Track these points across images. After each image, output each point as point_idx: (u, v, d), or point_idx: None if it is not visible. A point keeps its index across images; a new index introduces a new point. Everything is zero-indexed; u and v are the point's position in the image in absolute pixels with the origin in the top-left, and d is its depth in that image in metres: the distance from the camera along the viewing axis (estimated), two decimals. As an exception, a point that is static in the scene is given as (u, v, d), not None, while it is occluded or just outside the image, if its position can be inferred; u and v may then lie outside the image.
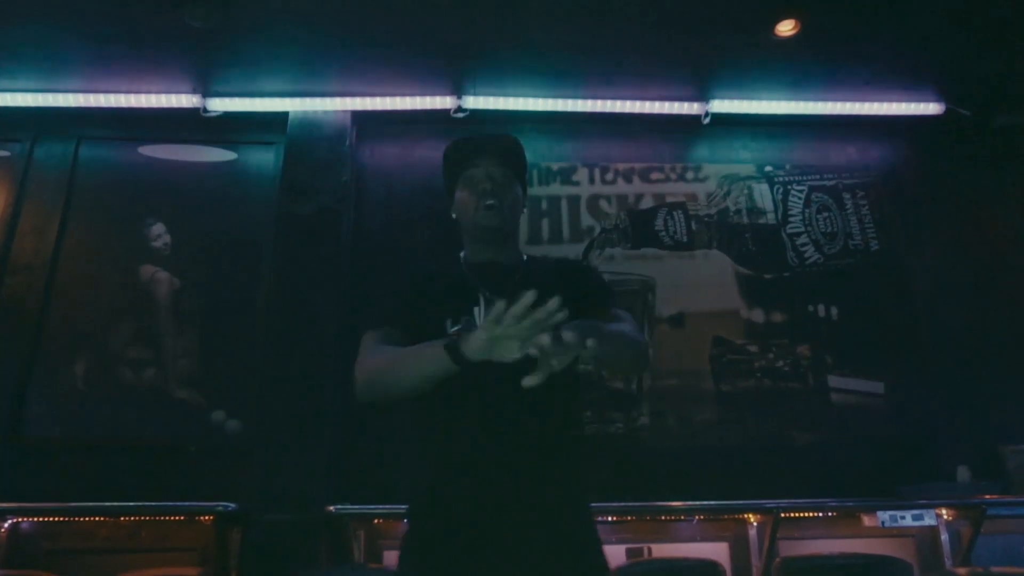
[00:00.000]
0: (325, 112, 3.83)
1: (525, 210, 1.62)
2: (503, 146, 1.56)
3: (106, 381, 3.42)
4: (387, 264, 3.70)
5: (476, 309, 1.39)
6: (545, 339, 1.05)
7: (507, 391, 1.32)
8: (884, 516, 2.98)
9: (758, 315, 3.77)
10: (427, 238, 3.76)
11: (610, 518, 3.03)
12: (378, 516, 3.04)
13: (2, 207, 3.67)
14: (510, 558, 1.23)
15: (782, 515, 2.99)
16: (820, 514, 3.15)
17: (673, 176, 4.07)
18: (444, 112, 3.85)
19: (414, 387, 1.29)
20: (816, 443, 3.52)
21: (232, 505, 2.83)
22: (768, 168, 4.12)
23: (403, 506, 2.95)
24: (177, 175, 3.87)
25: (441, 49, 3.56)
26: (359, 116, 3.89)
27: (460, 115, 3.84)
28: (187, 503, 2.89)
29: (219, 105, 3.77)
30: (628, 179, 4.05)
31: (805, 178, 4.11)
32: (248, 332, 3.52)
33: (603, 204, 3.97)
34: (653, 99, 3.91)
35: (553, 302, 1.03)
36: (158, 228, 3.73)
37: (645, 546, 3.20)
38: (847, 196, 4.08)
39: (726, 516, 3.20)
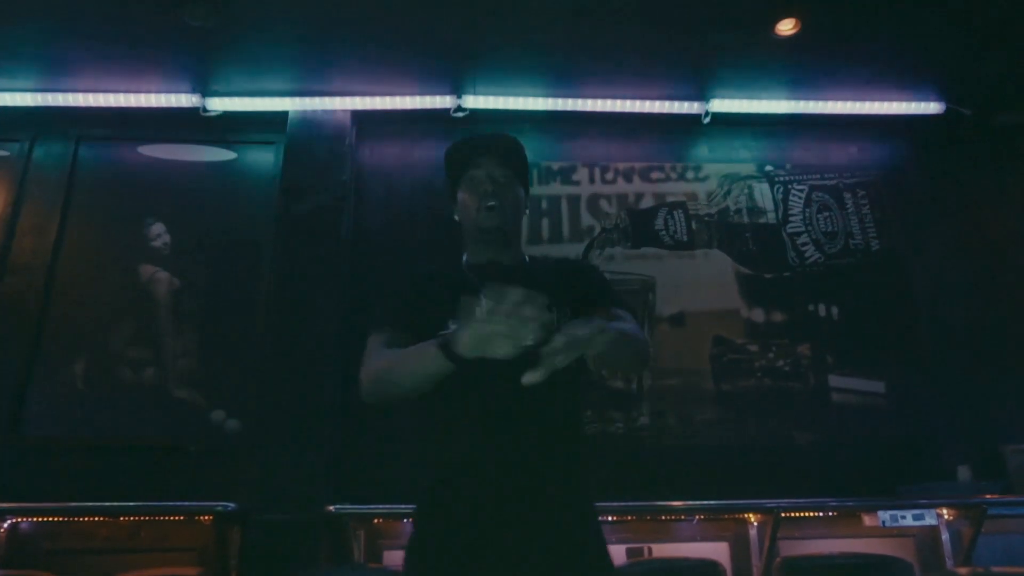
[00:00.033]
0: (325, 111, 3.83)
1: (527, 211, 1.62)
2: (504, 147, 1.55)
3: (106, 381, 3.42)
4: (387, 263, 3.69)
5: (478, 310, 1.38)
6: (560, 339, 1.06)
7: (509, 390, 1.32)
8: (885, 516, 2.98)
9: (758, 315, 3.77)
10: (427, 237, 3.76)
11: (610, 518, 3.02)
12: (378, 516, 3.04)
13: (1, 207, 3.67)
14: (515, 558, 1.23)
15: (782, 515, 2.99)
16: (821, 514, 3.15)
17: (673, 176, 4.07)
18: (444, 111, 3.85)
19: (414, 387, 1.29)
20: (817, 443, 3.52)
21: (232, 505, 2.84)
22: (768, 167, 4.11)
23: (403, 506, 3.00)
24: (177, 175, 3.87)
25: (441, 48, 3.56)
26: (359, 115, 3.89)
27: (460, 114, 3.84)
28: (187, 503, 2.89)
29: (219, 105, 3.77)
30: (628, 178, 4.04)
31: (805, 177, 4.10)
32: (248, 332, 3.51)
33: (603, 204, 3.97)
34: (653, 98, 3.91)
35: (541, 299, 1.04)
36: (158, 228, 3.73)
37: (645, 546, 3.19)
38: (848, 195, 4.07)
39: (726, 516, 3.20)
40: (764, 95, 3.91)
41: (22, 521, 3.03)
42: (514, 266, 1.50)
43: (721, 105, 3.92)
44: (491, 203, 1.46)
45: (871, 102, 3.96)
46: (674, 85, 3.87)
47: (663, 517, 3.18)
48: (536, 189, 3.92)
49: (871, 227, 4.00)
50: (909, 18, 3.38)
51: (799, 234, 3.96)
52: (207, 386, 3.45)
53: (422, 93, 3.81)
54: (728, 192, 4.03)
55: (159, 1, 3.13)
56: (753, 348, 3.69)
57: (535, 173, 3.94)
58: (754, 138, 4.16)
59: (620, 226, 3.92)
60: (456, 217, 1.56)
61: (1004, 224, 4.06)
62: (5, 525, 2.98)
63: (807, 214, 4.01)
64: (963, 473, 3.28)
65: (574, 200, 3.97)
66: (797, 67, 3.74)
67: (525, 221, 1.63)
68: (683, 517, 3.19)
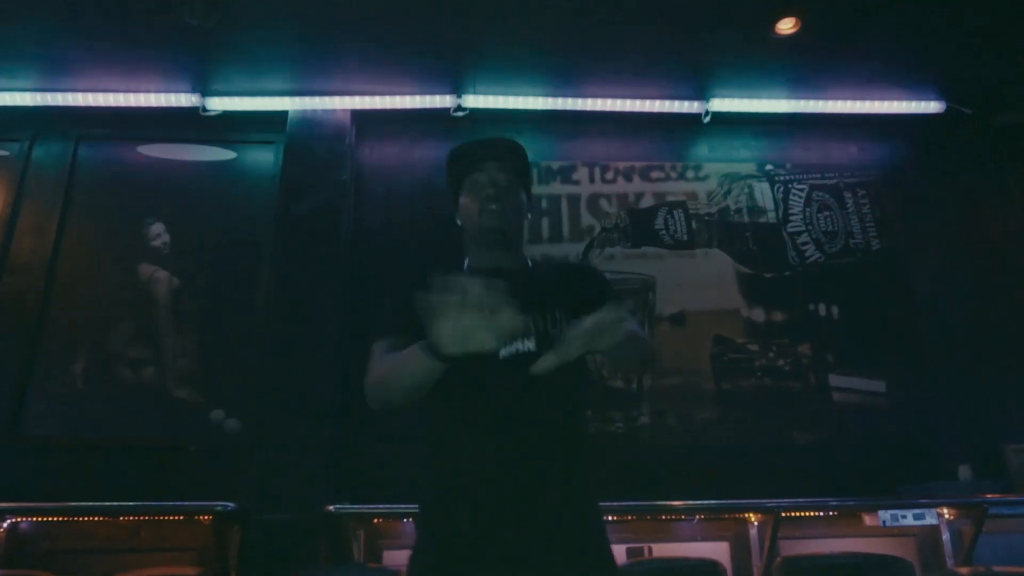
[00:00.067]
0: (325, 111, 3.83)
1: (529, 216, 1.61)
2: (506, 151, 1.55)
3: (105, 380, 3.42)
4: (387, 263, 3.69)
5: (440, 307, 1.37)
6: (585, 323, 1.06)
7: (511, 391, 1.33)
8: (885, 515, 2.98)
9: (759, 314, 3.76)
10: (427, 237, 3.76)
11: (611, 517, 3.02)
12: (378, 516, 3.04)
13: (1, 206, 3.67)
14: (519, 559, 1.23)
15: (783, 514, 2.99)
16: (821, 513, 3.14)
17: (673, 175, 4.07)
18: (444, 111, 3.84)
19: (410, 390, 1.28)
20: (817, 442, 3.51)
21: (231, 505, 2.83)
22: (769, 167, 4.11)
23: (403, 506, 2.99)
24: (176, 174, 3.87)
25: (441, 48, 3.56)
26: (359, 115, 3.89)
27: (460, 114, 3.84)
28: (186, 503, 2.89)
29: (218, 104, 3.76)
30: (628, 178, 4.04)
31: (806, 177, 4.10)
32: (247, 332, 3.51)
33: (603, 203, 3.97)
34: (653, 98, 3.91)
35: (498, 283, 1.03)
36: (157, 227, 3.73)
37: (646, 545, 3.19)
38: (848, 195, 4.07)
39: (727, 515, 3.19)
40: (764, 94, 3.91)
41: (22, 521, 3.03)
42: (517, 271, 1.48)
43: (721, 104, 3.91)
44: (492, 207, 1.45)
45: (871, 101, 3.95)
46: (674, 84, 3.86)
47: (663, 517, 3.18)
48: (536, 189, 3.92)
49: (871, 226, 4.00)
50: (909, 17, 3.38)
51: (799, 233, 3.95)
52: (207, 386, 3.44)
53: (422, 92, 3.80)
54: (728, 191, 4.03)
55: (159, 1, 3.12)
56: (753, 347, 3.69)
57: (535, 173, 3.94)
58: (754, 137, 4.15)
59: (620, 225, 3.91)
60: (458, 222, 1.55)
61: (1005, 223, 4.05)
62: (5, 525, 2.98)
63: (807, 213, 4.00)
64: (964, 472, 3.28)
65: (574, 199, 3.97)
66: (797, 66, 3.74)
67: (527, 225, 1.62)
68: (683, 517, 3.19)
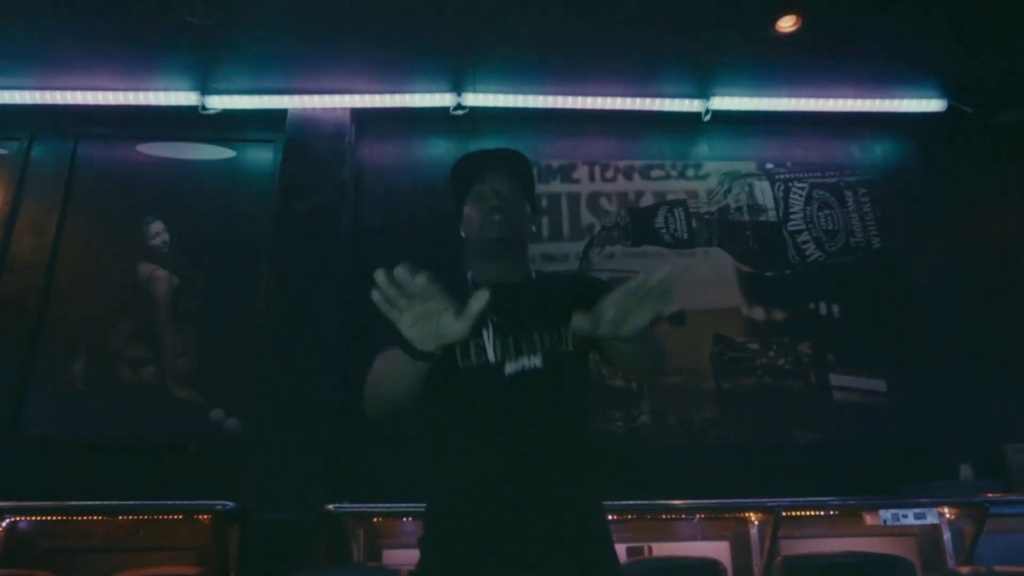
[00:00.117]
0: (324, 109, 3.82)
1: (534, 229, 1.60)
2: (511, 162, 1.54)
3: (105, 380, 3.41)
4: (387, 262, 3.65)
5: (485, 332, 1.36)
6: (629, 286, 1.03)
7: (516, 391, 1.32)
8: (886, 515, 2.97)
9: (759, 313, 3.76)
10: (427, 236, 3.75)
11: (611, 517, 3.01)
12: (377, 515, 3.04)
13: (0, 205, 3.66)
14: (524, 560, 1.22)
15: (783, 514, 2.98)
16: (822, 513, 3.14)
17: (674, 173, 4.06)
18: (443, 110, 3.84)
19: (401, 392, 1.27)
20: (817, 441, 3.51)
21: (231, 504, 2.83)
22: (769, 165, 4.10)
23: (402, 505, 2.99)
24: (176, 173, 3.86)
25: (440, 46, 3.55)
26: (358, 113, 3.88)
27: (459, 112, 3.83)
28: (186, 502, 2.88)
29: (218, 103, 3.76)
30: (628, 176, 4.03)
31: (806, 175, 4.09)
32: (247, 331, 3.51)
33: (603, 202, 3.96)
34: (653, 96, 3.90)
35: (419, 274, 1.00)
36: (157, 226, 3.72)
37: (646, 545, 3.18)
38: (848, 193, 4.06)
39: (727, 515, 3.19)
40: (765, 92, 3.90)
41: (21, 520, 3.03)
42: (521, 284, 1.46)
43: (721, 103, 3.91)
44: (496, 218, 1.44)
45: (872, 100, 3.95)
46: (674, 83, 3.86)
47: (664, 516, 3.17)
48: (536, 188, 3.90)
49: (872, 225, 3.99)
50: (911, 15, 3.37)
51: (800, 232, 3.95)
52: (206, 385, 3.44)
53: (421, 91, 3.80)
54: (728, 190, 4.02)
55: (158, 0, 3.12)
56: (754, 346, 3.68)
57: (535, 172, 3.92)
58: (755, 136, 4.15)
59: (620, 224, 3.91)
60: (462, 233, 1.53)
61: (1005, 223, 4.04)
62: (4, 524, 2.97)
63: (808, 212, 4.00)
64: (964, 472, 3.27)
65: (574, 198, 3.96)
66: (798, 64, 3.73)
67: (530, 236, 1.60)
68: (684, 516, 3.18)
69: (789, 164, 4.12)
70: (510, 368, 1.33)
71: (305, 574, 2.75)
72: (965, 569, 2.80)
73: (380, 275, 1.00)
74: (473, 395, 1.34)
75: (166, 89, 3.71)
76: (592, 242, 3.86)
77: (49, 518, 3.01)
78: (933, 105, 3.97)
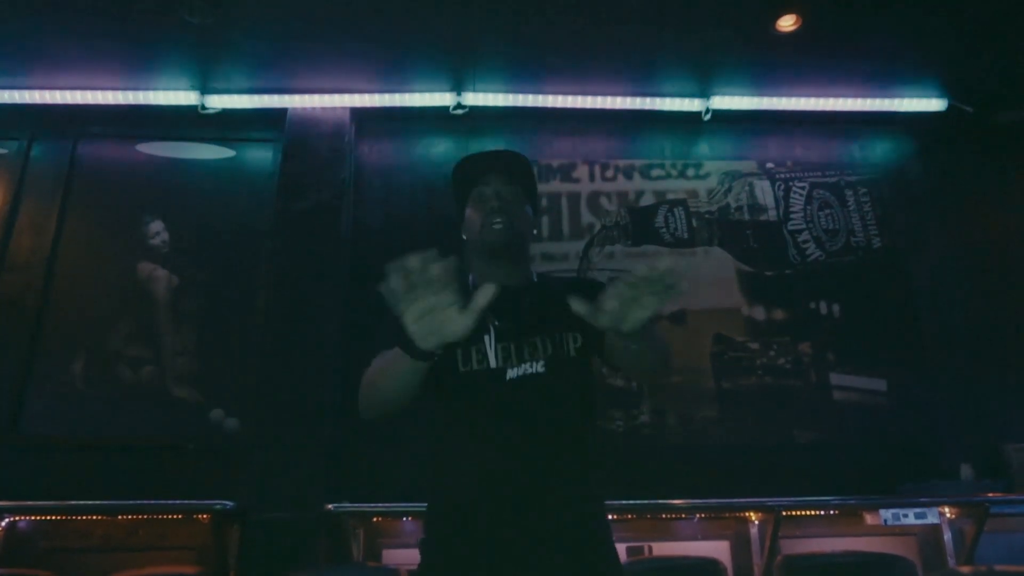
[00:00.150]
0: (324, 109, 3.82)
1: (536, 231, 1.58)
2: (511, 163, 1.53)
3: (104, 379, 3.41)
4: (387, 261, 3.65)
5: (486, 337, 1.35)
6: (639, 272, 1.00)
7: (520, 392, 1.31)
8: (886, 514, 2.97)
9: (759, 312, 3.75)
10: (427, 235, 3.75)
11: (611, 516, 3.00)
12: (377, 514, 3.04)
13: (0, 205, 3.66)
14: (525, 558, 1.22)
15: (784, 513, 2.98)
16: (822, 512, 3.13)
17: (674, 173, 4.05)
18: (443, 109, 3.83)
19: (398, 393, 1.24)
20: (818, 441, 3.50)
21: (230, 503, 2.83)
22: (769, 165, 4.10)
23: (402, 504, 2.98)
24: (175, 173, 3.86)
25: (440, 45, 3.55)
26: (358, 113, 3.88)
27: (459, 112, 3.83)
28: (185, 501, 2.88)
29: (217, 102, 3.76)
30: (628, 176, 4.03)
31: (807, 175, 4.09)
32: (247, 330, 3.50)
33: (603, 201, 3.95)
34: (653, 95, 3.90)
35: (432, 254, 0.97)
36: (156, 226, 3.72)
37: (646, 544, 3.18)
38: (849, 193, 4.06)
39: (727, 514, 3.18)
40: (765, 92, 3.89)
41: (20, 520, 3.03)
42: (522, 288, 1.45)
43: (722, 102, 3.90)
44: (497, 219, 1.42)
45: (872, 99, 3.94)
46: (674, 82, 3.85)
47: (664, 516, 3.17)
48: (537, 188, 3.90)
49: (872, 225, 3.98)
50: (911, 14, 3.36)
51: (800, 231, 3.94)
52: (206, 384, 3.44)
53: (421, 90, 3.79)
54: (729, 189, 4.02)
55: (157, -2, 3.12)
56: (754, 346, 3.68)
57: (535, 171, 3.92)
58: (755, 135, 4.14)
59: (620, 223, 3.90)
60: (464, 236, 1.52)
61: (1006, 222, 4.04)
62: (3, 524, 2.97)
63: (808, 211, 3.99)
64: (965, 471, 3.27)
65: (574, 198, 3.96)
66: (798, 63, 3.72)
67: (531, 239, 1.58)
68: (684, 516, 3.18)
69: (789, 163, 4.11)
70: (512, 373, 1.33)
71: (305, 574, 2.75)
72: (966, 569, 2.79)
73: (397, 263, 0.97)
74: (474, 398, 1.33)
75: (166, 88, 3.71)
76: (592, 241, 3.86)
77: (49, 518, 3.02)
78: (934, 104, 3.96)
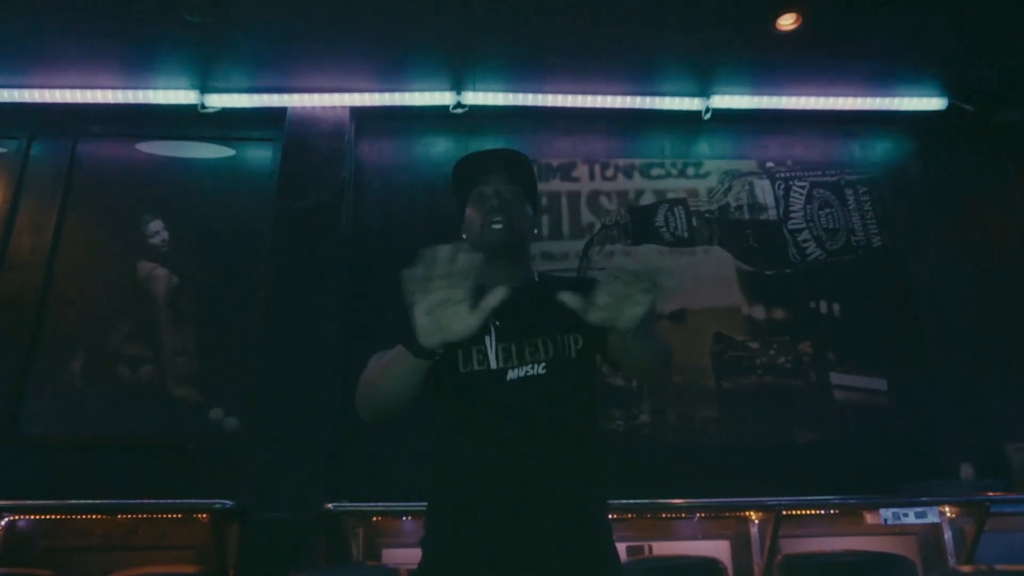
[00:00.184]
0: (323, 108, 3.81)
1: (536, 230, 1.58)
2: (511, 162, 1.52)
3: (104, 378, 3.41)
4: (387, 261, 3.68)
5: (487, 337, 1.34)
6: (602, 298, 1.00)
7: (522, 392, 1.31)
8: (887, 513, 2.97)
9: (759, 311, 3.75)
10: (427, 234, 3.74)
11: (611, 516, 3.00)
12: (376, 514, 3.03)
13: (0, 204, 3.66)
14: (525, 558, 1.22)
15: (784, 513, 2.98)
16: (822, 512, 3.13)
17: (674, 172, 4.05)
18: (443, 108, 3.83)
19: (396, 393, 1.23)
20: (818, 440, 3.50)
21: (230, 503, 2.82)
22: (769, 164, 4.09)
23: (402, 504, 2.98)
24: (175, 172, 3.86)
25: (440, 44, 3.54)
26: (358, 112, 3.88)
27: (459, 111, 3.82)
28: (184, 501, 2.88)
29: (217, 101, 3.75)
30: (628, 175, 4.02)
31: (807, 174, 4.08)
32: (246, 329, 3.50)
33: (603, 200, 3.95)
34: (653, 95, 3.89)
35: (463, 246, 0.97)
36: (156, 225, 3.72)
37: (646, 544, 3.18)
38: (849, 192, 4.05)
39: (727, 514, 3.18)
40: (765, 91, 3.89)
41: (20, 519, 3.03)
42: (523, 288, 1.43)
43: (722, 101, 3.90)
44: (497, 218, 1.42)
45: (873, 98, 3.94)
46: (674, 81, 3.85)
47: (664, 515, 3.17)
48: (537, 187, 3.90)
49: (872, 224, 3.98)
50: (911, 13, 3.36)
51: (800, 230, 3.94)
52: (205, 384, 3.43)
53: (421, 89, 3.79)
54: (729, 188, 4.01)
55: (157, -3, 3.12)
56: (754, 345, 3.67)
57: (535, 170, 3.92)
58: (755, 134, 4.14)
59: (620, 223, 3.90)
60: (464, 236, 1.51)
61: (1006, 221, 4.04)
62: (3, 523, 2.97)
63: (808, 210, 3.99)
64: (965, 470, 3.26)
65: (574, 197, 3.95)
66: (798, 62, 3.71)
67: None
68: (684, 515, 3.17)
69: (789, 162, 4.11)
70: (512, 374, 1.32)
71: (304, 573, 2.75)
72: (966, 568, 2.79)
73: (427, 251, 0.96)
74: (474, 399, 1.33)
75: (165, 88, 3.71)
76: (592, 241, 3.86)
77: (48, 517, 3.01)
78: (934, 103, 3.96)
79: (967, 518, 3.09)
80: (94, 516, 3.01)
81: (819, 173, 4.09)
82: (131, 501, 2.90)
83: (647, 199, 3.97)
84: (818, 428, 3.53)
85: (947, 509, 3.03)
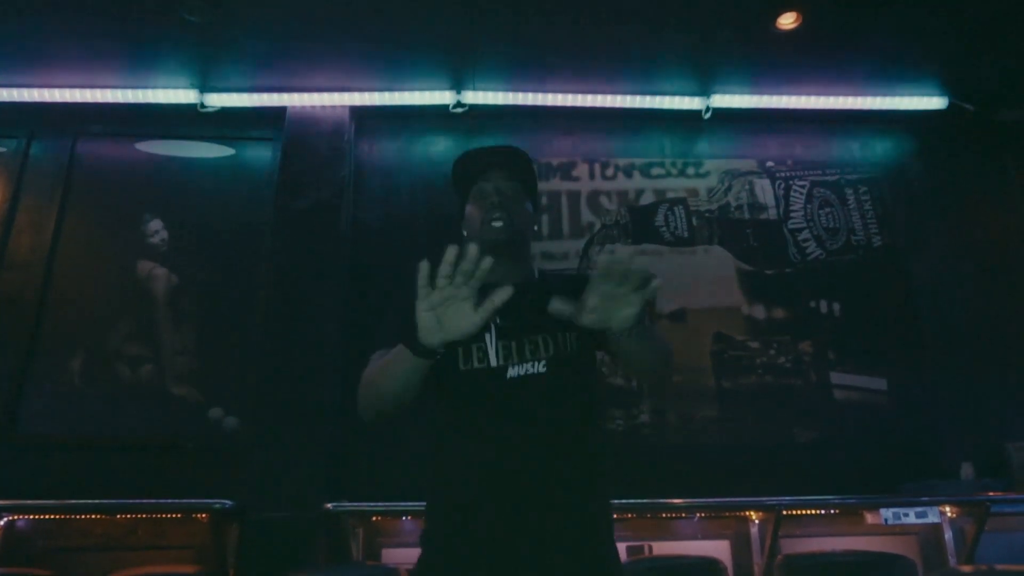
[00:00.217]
0: (323, 107, 3.81)
1: (536, 227, 1.58)
2: (511, 159, 1.52)
3: (103, 378, 3.40)
4: (386, 260, 3.67)
5: (487, 335, 1.34)
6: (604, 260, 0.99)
7: (519, 392, 1.31)
8: (887, 513, 2.96)
9: (759, 311, 3.74)
10: (426, 233, 3.74)
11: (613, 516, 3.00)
12: (376, 513, 3.03)
13: (-1, 203, 3.66)
14: (524, 557, 1.21)
15: (784, 512, 2.98)
16: (822, 511, 3.13)
17: (674, 171, 4.05)
18: (443, 107, 3.83)
19: (397, 391, 1.23)
20: (818, 440, 3.50)
21: (229, 503, 2.82)
22: (770, 163, 4.09)
23: (402, 503, 2.97)
24: (174, 171, 3.85)
25: (440, 44, 3.54)
26: (357, 111, 3.88)
27: (459, 110, 3.82)
28: (184, 501, 2.88)
29: (217, 101, 3.75)
30: (628, 175, 4.02)
31: (807, 173, 4.08)
32: (246, 329, 3.50)
33: (603, 200, 3.95)
34: (653, 94, 3.89)
35: (473, 248, 0.97)
36: (156, 224, 3.71)
37: (646, 544, 3.18)
38: (849, 191, 4.05)
39: (727, 514, 3.18)
40: (765, 90, 3.88)
41: (18, 519, 3.02)
42: (523, 285, 1.42)
43: (722, 100, 3.90)
44: (497, 214, 1.41)
45: (873, 97, 3.93)
46: (674, 80, 3.84)
47: (664, 515, 3.17)
48: (537, 185, 3.90)
49: (873, 223, 3.98)
50: (912, 12, 3.35)
51: (800, 230, 3.93)
52: (205, 383, 3.43)
53: (421, 89, 3.78)
54: (729, 188, 4.01)
55: (157, -3, 3.11)
56: (754, 345, 3.67)
57: (535, 166, 3.91)
58: (755, 133, 4.13)
59: (620, 222, 3.90)
60: (464, 232, 1.51)
61: (1006, 221, 4.03)
62: (2, 523, 2.96)
63: (808, 210, 3.98)
64: (966, 470, 3.26)
65: (574, 196, 3.95)
66: (798, 62, 3.71)
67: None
68: (684, 515, 3.17)
69: (790, 162, 4.11)
70: (512, 372, 1.32)
71: (304, 573, 2.74)
72: (966, 568, 2.79)
73: (453, 250, 0.98)
74: (474, 397, 1.32)
75: (165, 87, 3.70)
76: (592, 240, 3.85)
77: (47, 517, 3.01)
78: (934, 103, 3.96)
79: (967, 518, 3.08)
80: (93, 516, 3.01)
81: (819, 172, 4.09)
82: (130, 501, 2.90)
83: (647, 199, 3.97)
84: (818, 428, 3.53)
85: (947, 509, 3.03)
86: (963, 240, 3.95)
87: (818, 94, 3.90)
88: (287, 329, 3.36)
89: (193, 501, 2.87)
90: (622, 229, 3.88)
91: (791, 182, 4.05)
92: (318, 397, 3.24)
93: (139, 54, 3.52)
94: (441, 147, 3.99)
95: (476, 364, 1.33)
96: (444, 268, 0.97)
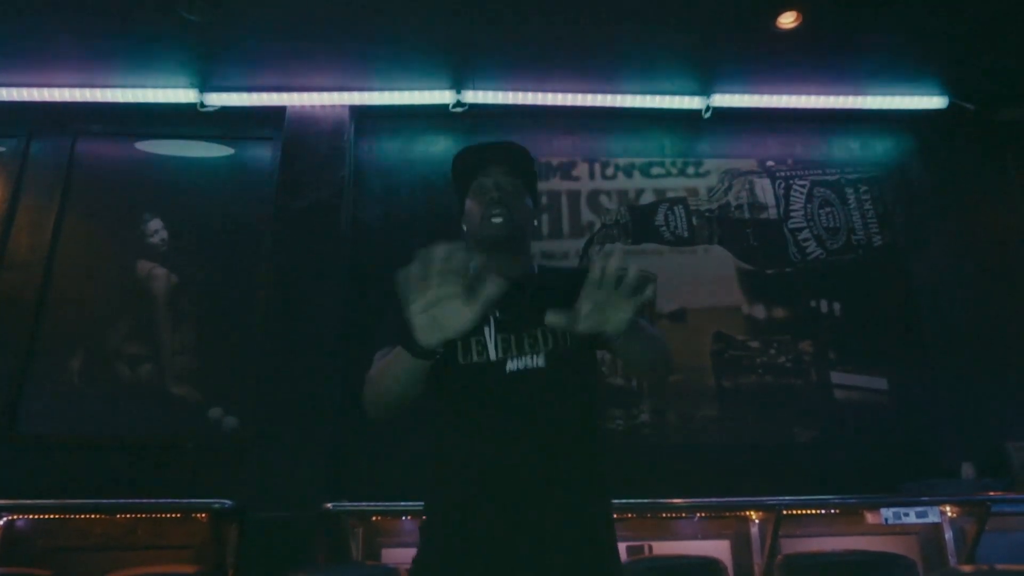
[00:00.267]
0: (323, 107, 3.81)
1: (536, 223, 1.58)
2: (511, 154, 1.52)
3: (102, 377, 3.40)
4: (386, 259, 3.66)
5: (486, 328, 1.34)
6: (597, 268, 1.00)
7: (517, 387, 1.30)
8: (887, 513, 2.96)
9: (760, 311, 3.74)
10: (426, 233, 3.74)
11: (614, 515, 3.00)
12: (376, 513, 3.03)
13: (-2, 203, 3.66)
14: (523, 555, 1.21)
15: (784, 512, 2.97)
16: (823, 511, 3.13)
17: (674, 171, 4.04)
18: (443, 107, 3.82)
19: (401, 391, 1.24)
20: (818, 440, 3.49)
21: (229, 502, 2.82)
22: (770, 163, 4.09)
23: (402, 503, 2.97)
24: (174, 171, 3.85)
25: (440, 43, 3.54)
26: (357, 111, 3.87)
27: (459, 110, 3.82)
28: (183, 500, 2.88)
29: (216, 100, 3.75)
30: (628, 174, 4.02)
31: (807, 173, 4.07)
32: (246, 328, 3.49)
33: (603, 199, 3.95)
34: (653, 93, 3.88)
35: (459, 246, 0.98)
36: (155, 224, 3.71)
37: (646, 544, 3.17)
38: (850, 191, 4.05)
39: (728, 513, 3.18)
40: (765, 89, 3.88)
41: (18, 519, 3.02)
42: (523, 279, 1.43)
43: (722, 100, 3.89)
44: (496, 210, 1.41)
45: (873, 96, 3.93)
46: (675, 80, 3.84)
47: (664, 515, 3.16)
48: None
49: (873, 223, 3.97)
50: (912, 11, 3.35)
51: (800, 229, 3.93)
52: (205, 383, 3.43)
53: (421, 88, 3.78)
54: (729, 187, 4.00)
55: (156, -4, 3.11)
56: (754, 344, 3.67)
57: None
58: (755, 133, 4.13)
59: (620, 222, 3.89)
60: (464, 228, 1.51)
61: (1007, 220, 4.03)
62: (1, 522, 2.96)
63: (809, 209, 3.98)
64: (966, 470, 3.26)
65: (574, 196, 3.95)
66: (799, 61, 3.71)
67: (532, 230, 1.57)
68: (684, 515, 3.17)
69: (790, 161, 4.10)
70: (511, 366, 1.32)
71: (304, 573, 2.74)
72: (967, 568, 2.78)
73: (424, 251, 0.97)
74: (473, 391, 1.32)
75: (164, 86, 3.70)
76: (592, 240, 3.85)
77: (47, 516, 3.01)
78: (934, 102, 3.95)
79: (968, 518, 3.08)
80: (93, 516, 3.01)
81: (819, 172, 4.09)
82: (130, 500, 2.89)
83: (647, 198, 3.96)
84: (818, 427, 3.52)
85: (948, 509, 3.02)
86: (963, 240, 3.95)
87: (818, 93, 3.90)
88: (287, 329, 3.36)
89: (193, 501, 2.87)
90: (622, 228, 3.88)
91: (791, 181, 4.04)
92: (318, 397, 3.23)
93: (138, 53, 3.52)
94: (441, 147, 3.99)
95: (475, 358, 1.33)
96: (431, 268, 0.97)
